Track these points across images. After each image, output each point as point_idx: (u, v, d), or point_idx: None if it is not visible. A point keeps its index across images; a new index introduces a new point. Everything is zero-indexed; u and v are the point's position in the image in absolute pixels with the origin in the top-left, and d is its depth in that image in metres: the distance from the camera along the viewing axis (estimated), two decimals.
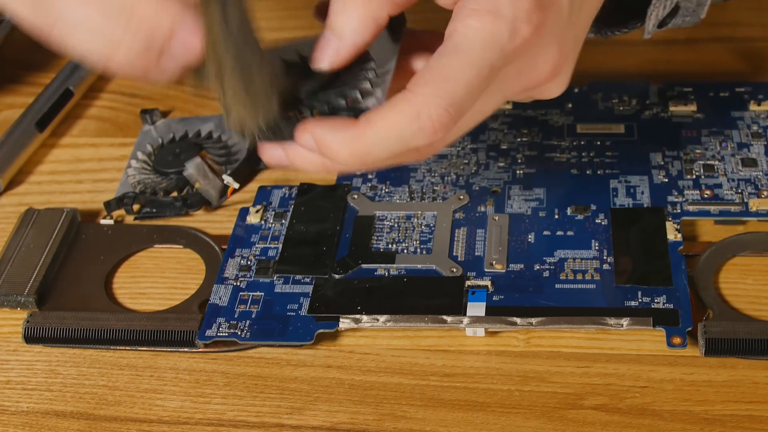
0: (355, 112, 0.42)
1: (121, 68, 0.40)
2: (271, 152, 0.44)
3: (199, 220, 0.59)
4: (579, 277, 0.52)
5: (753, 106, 0.61)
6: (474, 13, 0.41)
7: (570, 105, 0.63)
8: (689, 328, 0.49)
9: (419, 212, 0.57)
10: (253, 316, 0.52)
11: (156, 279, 0.56)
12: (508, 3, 0.41)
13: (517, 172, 0.59)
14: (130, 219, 0.59)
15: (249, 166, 0.61)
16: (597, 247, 0.54)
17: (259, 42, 0.42)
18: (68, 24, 0.40)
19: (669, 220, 0.55)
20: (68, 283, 0.55)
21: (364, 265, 0.54)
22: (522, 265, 0.53)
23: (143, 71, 0.40)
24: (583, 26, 0.46)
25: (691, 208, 0.55)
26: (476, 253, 0.54)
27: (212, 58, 0.41)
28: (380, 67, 0.44)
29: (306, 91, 0.44)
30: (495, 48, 0.41)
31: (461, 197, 0.57)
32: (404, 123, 0.41)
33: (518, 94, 0.46)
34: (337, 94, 0.43)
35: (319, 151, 0.42)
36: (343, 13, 0.42)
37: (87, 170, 0.64)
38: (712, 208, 0.55)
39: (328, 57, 0.43)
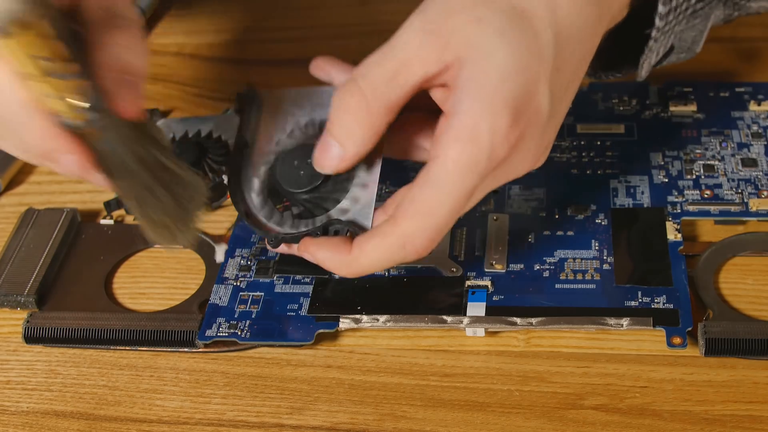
0: (346, 225, 0.48)
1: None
2: (279, 250, 0.50)
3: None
4: (579, 277, 0.52)
5: (753, 106, 0.61)
6: (454, 143, 0.44)
7: (571, 107, 0.63)
8: (689, 328, 0.49)
9: None
10: (253, 316, 0.52)
11: (156, 279, 0.56)
12: (486, 129, 0.44)
13: None
14: (130, 219, 0.59)
15: None
16: (597, 247, 0.54)
17: (164, 168, 0.47)
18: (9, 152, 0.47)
19: (669, 220, 0.55)
20: (68, 283, 0.55)
21: None
22: (522, 265, 0.53)
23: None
24: (566, 109, 0.48)
25: (691, 208, 0.55)
26: (476, 253, 0.54)
27: (112, 182, 0.47)
28: (368, 172, 0.49)
29: (296, 188, 0.49)
30: (474, 174, 0.44)
31: None
32: (392, 252, 0.46)
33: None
34: (325, 202, 0.49)
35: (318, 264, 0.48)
36: (346, 125, 0.46)
37: None
38: (712, 208, 0.55)
39: (330, 165, 0.47)
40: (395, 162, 0.51)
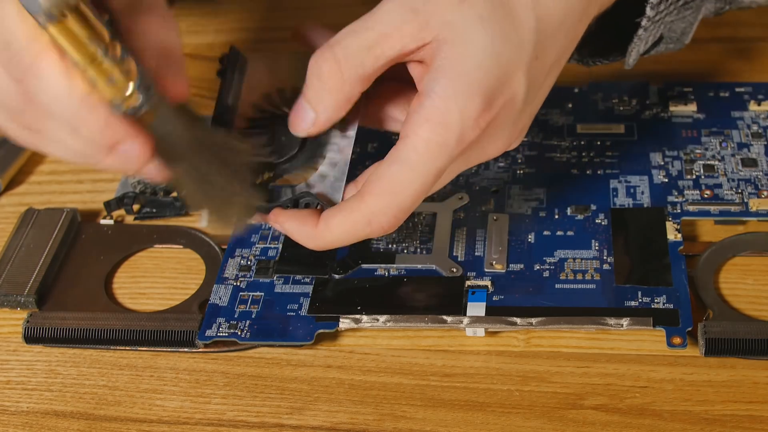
0: (316, 199, 0.48)
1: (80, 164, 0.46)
2: (254, 221, 0.51)
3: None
4: (579, 277, 0.52)
5: (753, 106, 0.61)
6: (425, 123, 0.44)
7: (570, 105, 0.63)
8: (689, 328, 0.49)
9: (419, 212, 0.57)
10: (253, 316, 0.52)
11: (156, 279, 0.56)
12: (457, 112, 0.44)
13: (517, 172, 0.59)
14: (130, 219, 0.59)
15: None
16: (597, 247, 0.54)
17: (215, 144, 0.47)
18: (49, 152, 0.46)
19: (669, 220, 0.55)
20: (68, 283, 0.55)
21: (364, 265, 0.54)
22: (522, 265, 0.53)
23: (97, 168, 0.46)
24: (543, 96, 0.48)
25: (691, 208, 0.55)
26: (476, 253, 0.54)
27: (183, 188, 0.47)
28: (342, 137, 0.49)
29: (276, 157, 0.49)
30: (442, 155, 0.45)
31: (461, 197, 0.57)
32: (357, 228, 0.46)
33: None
34: (303, 168, 0.49)
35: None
36: (318, 90, 0.46)
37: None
38: (712, 208, 0.55)
39: (302, 128, 0.47)
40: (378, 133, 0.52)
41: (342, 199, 0.48)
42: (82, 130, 0.43)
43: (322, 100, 0.46)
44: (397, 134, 0.46)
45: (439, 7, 0.44)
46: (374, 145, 0.61)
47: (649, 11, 0.50)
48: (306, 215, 0.47)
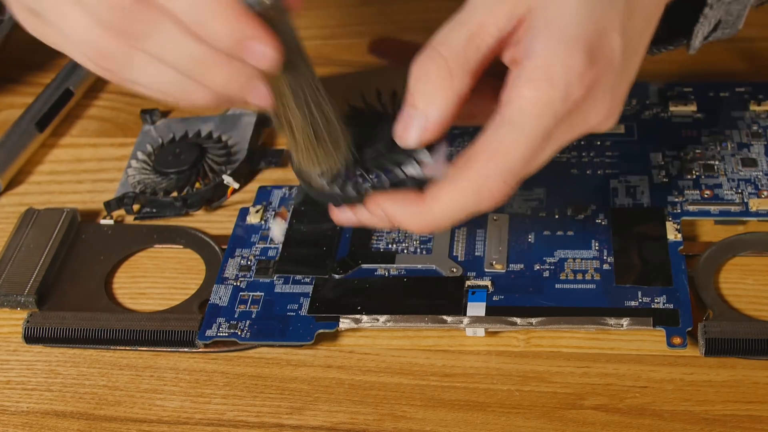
0: (416, 182, 0.45)
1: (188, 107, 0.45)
2: (342, 216, 0.47)
3: (199, 220, 0.59)
4: (579, 277, 0.52)
5: (753, 106, 0.61)
6: (528, 83, 0.42)
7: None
8: (689, 328, 0.49)
9: None
10: (253, 316, 0.52)
11: (156, 279, 0.56)
12: (561, 67, 0.42)
13: None
14: (130, 219, 0.59)
15: (249, 166, 0.61)
16: (597, 247, 0.54)
17: (329, 107, 0.44)
18: (142, 77, 0.43)
19: (669, 220, 0.55)
20: (68, 283, 0.55)
21: (364, 265, 0.54)
22: (522, 265, 0.53)
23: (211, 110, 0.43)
24: (637, 64, 0.47)
25: (691, 208, 0.55)
26: (476, 253, 0.54)
27: (283, 118, 0.44)
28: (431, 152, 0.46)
29: (369, 154, 0.46)
30: (548, 115, 0.43)
31: None
32: (466, 197, 0.43)
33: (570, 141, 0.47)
34: (397, 162, 0.45)
35: (389, 222, 0.46)
36: (428, 92, 0.44)
37: (87, 170, 0.64)
38: (712, 208, 0.55)
39: (413, 137, 0.44)
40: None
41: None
42: (208, 23, 0.40)
43: (433, 101, 0.44)
44: None
45: None
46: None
47: None
48: (408, 194, 0.45)
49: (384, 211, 0.45)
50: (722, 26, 0.54)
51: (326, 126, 0.44)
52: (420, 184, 0.45)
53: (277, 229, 0.56)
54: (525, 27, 0.43)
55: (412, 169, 0.45)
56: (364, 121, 0.47)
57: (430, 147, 0.45)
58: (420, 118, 0.44)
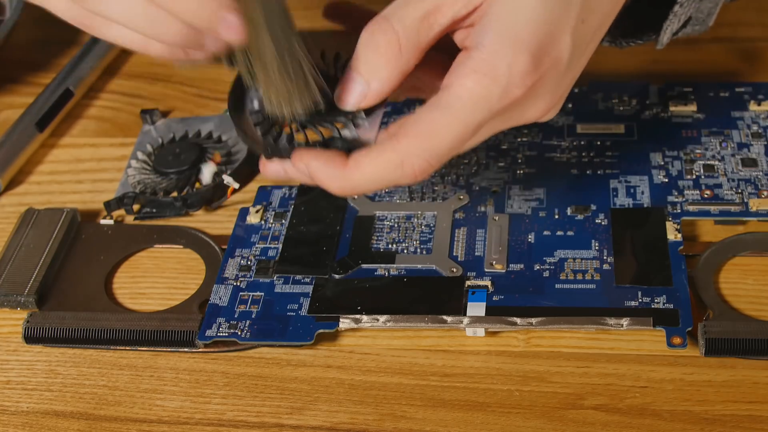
0: (348, 143, 0.46)
1: (159, 54, 0.45)
2: (271, 168, 0.48)
3: (199, 220, 0.59)
4: (579, 277, 0.52)
5: (753, 106, 0.61)
6: (472, 74, 0.43)
7: (570, 105, 0.63)
8: (689, 328, 0.49)
9: (419, 212, 0.57)
10: (253, 316, 0.52)
11: (156, 279, 0.56)
12: (505, 66, 0.43)
13: (517, 172, 0.59)
14: (130, 219, 0.59)
15: (249, 166, 0.61)
16: (597, 247, 0.54)
17: (297, 34, 0.45)
18: (108, 16, 0.43)
19: (669, 220, 0.55)
20: (68, 283, 0.55)
21: (364, 265, 0.54)
22: (522, 265, 0.53)
23: (181, 55, 0.44)
24: (584, 63, 0.48)
25: (691, 208, 0.55)
26: (476, 253, 0.54)
27: (254, 46, 0.44)
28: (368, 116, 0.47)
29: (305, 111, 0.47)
30: (484, 108, 0.44)
31: (461, 197, 0.57)
32: (389, 169, 0.44)
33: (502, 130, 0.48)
34: (332, 122, 0.47)
35: (311, 179, 0.46)
36: (374, 62, 0.45)
37: (87, 170, 0.64)
38: (712, 208, 0.55)
39: (352, 101, 0.46)
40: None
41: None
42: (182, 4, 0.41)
43: (377, 72, 0.45)
44: None
45: None
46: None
47: None
48: (333, 155, 0.46)
49: (308, 168, 0.46)
50: (692, 23, 0.54)
51: (299, 64, 0.45)
52: (351, 146, 0.46)
53: (207, 172, 0.56)
54: (480, 12, 0.44)
55: (346, 131, 0.47)
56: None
57: (369, 110, 0.47)
58: (362, 84, 0.45)
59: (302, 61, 0.45)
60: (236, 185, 0.60)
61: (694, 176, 0.57)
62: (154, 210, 0.59)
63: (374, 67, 0.45)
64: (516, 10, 0.43)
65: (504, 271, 0.53)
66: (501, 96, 0.44)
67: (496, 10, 0.44)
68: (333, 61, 0.48)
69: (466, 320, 0.50)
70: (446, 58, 0.46)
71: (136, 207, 0.59)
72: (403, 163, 0.44)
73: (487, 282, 0.52)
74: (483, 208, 0.56)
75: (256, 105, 0.48)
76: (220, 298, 0.53)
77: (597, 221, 0.55)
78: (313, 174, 0.46)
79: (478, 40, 0.44)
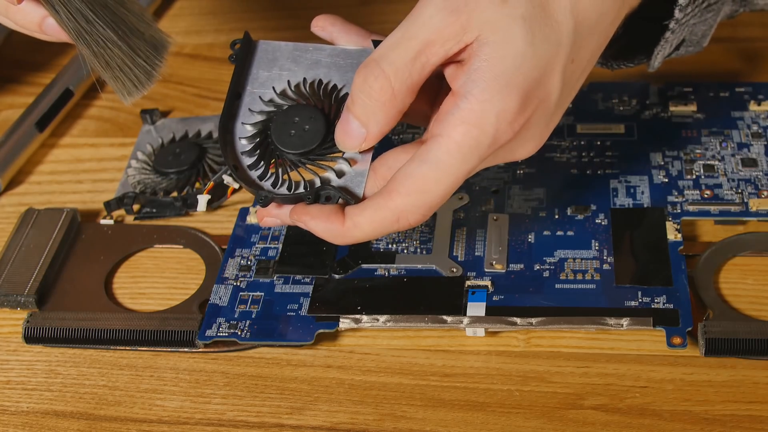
0: (334, 191, 0.47)
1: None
2: (268, 220, 0.49)
3: (199, 220, 0.59)
4: (579, 277, 0.52)
5: (753, 106, 0.61)
6: (461, 125, 0.44)
7: (570, 105, 0.63)
8: (689, 328, 0.49)
9: None
10: (253, 316, 0.52)
11: (156, 279, 0.56)
12: (493, 116, 0.44)
13: (517, 172, 0.59)
14: (130, 219, 0.59)
15: None
16: (597, 247, 0.54)
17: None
18: None
19: (669, 220, 0.55)
20: (68, 283, 0.55)
21: (364, 265, 0.54)
22: (522, 265, 0.53)
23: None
24: (573, 96, 0.48)
25: (691, 208, 0.55)
26: (476, 253, 0.54)
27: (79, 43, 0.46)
28: None
29: (291, 149, 0.48)
30: (474, 158, 0.45)
31: (461, 197, 0.57)
32: (385, 225, 0.46)
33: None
34: (319, 163, 0.48)
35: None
36: (370, 107, 0.46)
37: (87, 170, 0.64)
38: (712, 208, 0.55)
39: (352, 145, 0.47)
40: None
41: (363, 193, 0.48)
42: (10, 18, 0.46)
43: (374, 116, 0.46)
44: (418, 128, 0.45)
45: (480, 5, 0.44)
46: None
47: (677, 14, 0.50)
48: (329, 212, 0.47)
49: (305, 226, 0.47)
50: (686, 44, 0.54)
51: (125, 47, 0.47)
52: (344, 193, 0.47)
53: (201, 202, 0.56)
54: (470, 51, 0.44)
55: (342, 165, 0.48)
56: (301, 109, 0.49)
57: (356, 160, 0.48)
58: (360, 129, 0.46)
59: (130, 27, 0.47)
60: (236, 185, 0.60)
61: (694, 176, 0.57)
62: (154, 210, 0.59)
63: (370, 112, 0.46)
64: (506, 55, 0.44)
65: (504, 271, 0.53)
66: (490, 144, 0.45)
67: (486, 53, 0.44)
68: (328, 94, 0.49)
69: (466, 320, 0.50)
70: (435, 80, 0.47)
71: (136, 207, 0.59)
72: (399, 219, 0.46)
73: (487, 282, 0.52)
74: (483, 208, 0.56)
75: (245, 143, 0.49)
76: (220, 298, 0.53)
77: (597, 221, 0.55)
78: (311, 230, 0.47)
79: (467, 89, 0.44)
